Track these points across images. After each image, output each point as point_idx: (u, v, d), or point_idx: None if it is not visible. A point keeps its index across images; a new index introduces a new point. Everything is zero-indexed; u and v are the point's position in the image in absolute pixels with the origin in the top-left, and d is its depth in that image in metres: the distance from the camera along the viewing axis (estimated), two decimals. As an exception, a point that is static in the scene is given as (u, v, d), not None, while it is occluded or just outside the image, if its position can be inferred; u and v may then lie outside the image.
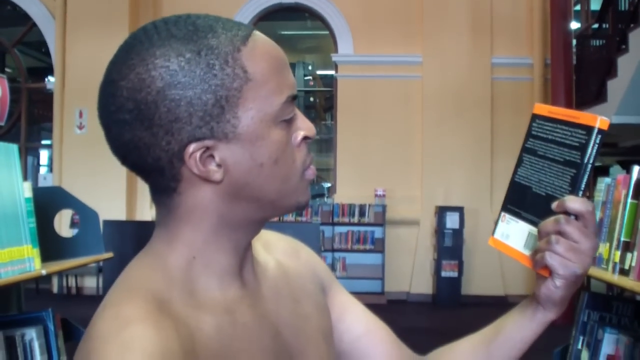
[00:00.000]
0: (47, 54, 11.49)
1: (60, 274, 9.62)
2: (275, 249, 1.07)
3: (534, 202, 0.95)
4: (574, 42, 10.20)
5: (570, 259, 0.87)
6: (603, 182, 2.00)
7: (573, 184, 0.89)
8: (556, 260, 0.87)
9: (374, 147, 10.81)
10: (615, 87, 8.53)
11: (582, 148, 0.89)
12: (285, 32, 16.41)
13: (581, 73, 10.15)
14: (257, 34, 0.87)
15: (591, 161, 0.88)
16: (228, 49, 0.82)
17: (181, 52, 0.80)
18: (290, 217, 10.56)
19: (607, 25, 9.88)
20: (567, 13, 9.58)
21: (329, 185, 12.18)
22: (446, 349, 1.13)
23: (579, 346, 1.98)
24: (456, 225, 9.99)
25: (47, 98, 11.36)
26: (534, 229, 0.93)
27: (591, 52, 10.42)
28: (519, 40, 10.80)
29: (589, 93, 9.77)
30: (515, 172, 0.99)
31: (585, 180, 0.89)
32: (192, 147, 0.81)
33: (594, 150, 0.88)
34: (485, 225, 9.91)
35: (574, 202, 0.86)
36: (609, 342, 1.84)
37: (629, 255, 1.74)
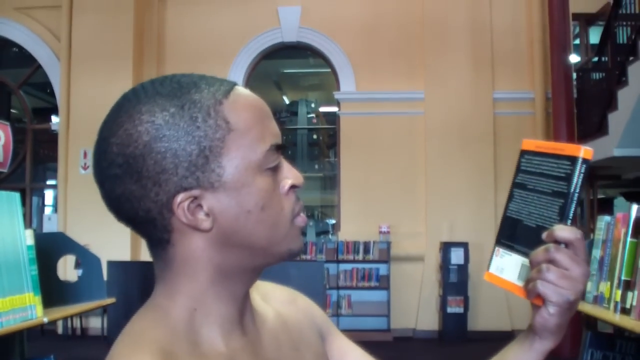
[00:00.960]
0: (52, 94, 11.58)
1: (57, 320, 9.56)
2: (273, 299, 1.09)
3: (525, 234, 0.97)
4: (575, 75, 10.25)
5: (562, 286, 0.88)
6: (603, 221, 2.00)
7: (561, 213, 0.92)
8: (548, 288, 0.89)
9: (378, 184, 10.81)
10: (616, 120, 8.54)
11: (568, 178, 0.92)
12: (288, 71, 16.54)
13: (582, 106, 10.17)
14: (239, 88, 0.90)
15: (577, 190, 0.91)
16: (210, 102, 0.86)
17: (166, 107, 0.84)
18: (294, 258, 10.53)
19: (607, 59, 9.93)
20: (566, 47, 9.63)
21: (333, 222, 12.18)
22: None
23: (583, 386, 1.98)
24: (461, 261, 9.96)
25: (52, 138, 11.43)
26: (526, 260, 0.95)
27: (591, 85, 10.46)
28: (520, 75, 10.87)
29: (590, 126, 9.78)
30: (507, 207, 1.02)
31: (572, 209, 0.91)
32: (179, 197, 0.84)
33: (579, 180, 0.91)
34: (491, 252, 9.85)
35: (563, 231, 0.89)
36: (614, 382, 1.83)
37: (629, 294, 1.74)
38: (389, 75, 10.98)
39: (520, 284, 0.97)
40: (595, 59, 10.31)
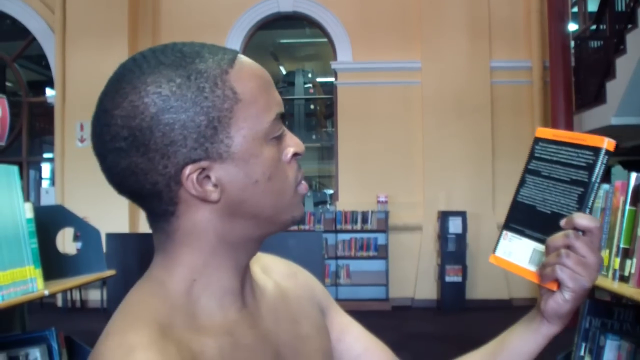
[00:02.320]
0: (47, 67, 11.53)
1: (57, 293, 9.60)
2: (273, 272, 1.09)
3: (538, 220, 0.98)
4: (573, 44, 10.21)
5: (579, 273, 0.89)
6: (602, 189, 2.01)
7: (580, 201, 0.93)
8: (566, 273, 0.90)
9: (375, 154, 10.82)
10: (614, 89, 8.53)
11: (590, 168, 0.93)
12: (285, 41, 16.45)
13: (580, 75, 10.16)
14: (242, 57, 0.90)
15: (598, 180, 0.92)
16: (216, 72, 0.85)
17: (172, 77, 0.83)
18: (293, 226, 10.56)
19: (605, 27, 9.89)
20: (564, 15, 9.58)
21: (331, 192, 12.19)
22: None
23: (582, 353, 1.99)
24: (459, 230, 9.99)
25: (48, 111, 11.40)
26: (539, 246, 0.96)
27: (589, 53, 10.43)
28: (517, 44, 10.83)
29: (588, 95, 9.77)
30: (517, 192, 1.02)
31: (592, 198, 0.93)
32: (188, 169, 0.83)
33: (601, 170, 0.92)
34: (488, 228, 9.91)
35: (583, 219, 0.89)
36: (611, 349, 1.84)
37: (628, 262, 1.74)
38: (386, 45, 10.94)
39: (530, 268, 0.98)
40: (594, 27, 10.27)
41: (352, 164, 10.98)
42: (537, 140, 1.02)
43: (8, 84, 14.46)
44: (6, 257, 1.60)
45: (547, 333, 0.99)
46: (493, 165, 10.41)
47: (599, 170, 0.92)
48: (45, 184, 13.72)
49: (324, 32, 11.41)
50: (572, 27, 11.08)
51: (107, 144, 0.85)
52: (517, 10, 10.84)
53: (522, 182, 1.02)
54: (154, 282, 0.88)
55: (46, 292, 1.72)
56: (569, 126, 9.15)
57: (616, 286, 1.75)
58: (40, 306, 9.92)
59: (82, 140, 10.58)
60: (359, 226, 10.58)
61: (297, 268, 1.15)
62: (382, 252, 10.54)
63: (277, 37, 15.77)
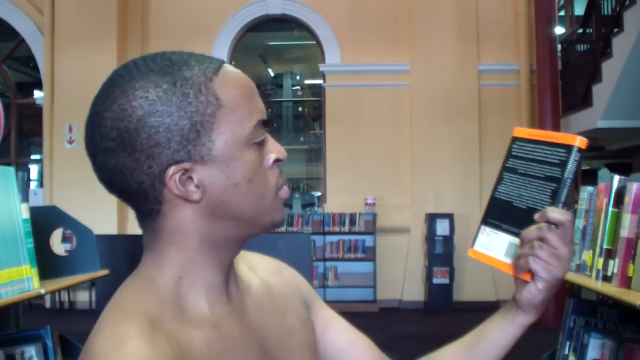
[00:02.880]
0: (35, 68, 11.51)
1: (53, 292, 9.59)
2: (259, 269, 1.13)
3: (514, 215, 1.03)
4: (560, 47, 10.28)
5: (551, 264, 0.94)
6: (586, 191, 2.05)
7: (554, 196, 0.98)
8: (539, 264, 0.94)
9: (364, 156, 10.86)
10: (601, 92, 8.61)
11: (563, 164, 0.97)
12: (273, 43, 16.46)
13: (567, 78, 10.24)
14: (227, 66, 0.95)
15: (571, 176, 0.97)
16: (201, 79, 0.90)
17: (158, 83, 0.88)
18: (281, 228, 10.60)
19: (591, 30, 9.97)
20: (551, 18, 9.65)
21: (319, 194, 12.22)
22: (431, 356, 1.18)
23: (566, 351, 2.03)
24: (446, 232, 10.04)
25: (36, 112, 11.38)
26: (514, 239, 1.01)
27: (576, 57, 10.51)
28: (505, 47, 10.88)
29: (575, 98, 9.86)
30: (495, 189, 1.07)
31: (565, 193, 0.97)
32: (171, 170, 0.88)
33: (573, 167, 0.97)
34: (476, 230, 9.94)
35: (555, 213, 0.94)
36: (595, 347, 1.89)
37: (610, 262, 1.79)
38: (374, 47, 10.99)
39: (506, 260, 1.03)
40: (580, 30, 10.35)
41: (340, 166, 11.01)
42: (514, 139, 1.07)
43: (-4, 85, 14.43)
44: (3, 257, 1.64)
45: (522, 322, 1.04)
46: (480, 168, 10.46)
47: (571, 166, 0.97)
48: (33, 185, 13.69)
49: (313, 35, 11.45)
50: (560, 30, 11.16)
51: (98, 144, 0.89)
52: (504, 13, 10.91)
53: (499, 179, 1.07)
54: (144, 278, 0.93)
55: (42, 291, 1.75)
56: (556, 129, 9.20)
57: (599, 286, 1.79)
58: (29, 307, 9.90)
59: (70, 141, 10.57)
60: (347, 228, 10.60)
61: (282, 265, 1.19)
62: (370, 254, 10.57)
63: (265, 39, 15.78)
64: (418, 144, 10.67)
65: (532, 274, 0.97)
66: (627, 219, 1.74)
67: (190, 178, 0.89)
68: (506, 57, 10.85)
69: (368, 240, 10.62)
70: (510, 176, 1.05)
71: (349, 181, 10.93)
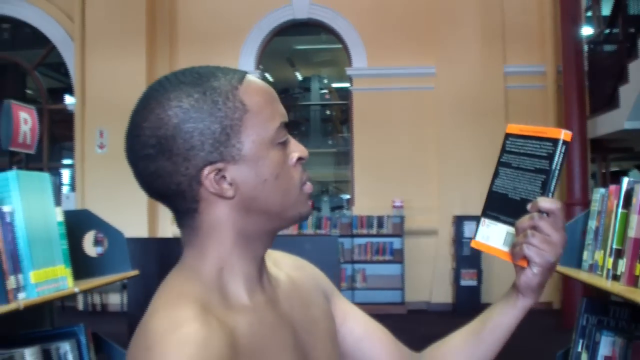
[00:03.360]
0: (66, 74, 11.70)
1: (85, 292, 9.77)
2: (283, 265, 1.23)
3: (510, 206, 1.11)
4: (587, 47, 10.22)
5: (544, 249, 1.02)
6: (598, 193, 2.11)
7: (543, 187, 1.06)
8: (532, 251, 1.03)
9: (391, 159, 10.91)
10: (627, 93, 8.58)
11: (550, 157, 1.05)
12: (301, 47, 16.55)
13: (594, 79, 10.19)
14: (250, 76, 1.05)
15: (558, 167, 1.05)
16: (228, 88, 1.00)
17: (190, 93, 0.98)
18: (309, 230, 10.70)
19: (618, 31, 9.92)
20: (577, 19, 9.59)
21: (348, 197, 12.28)
22: (440, 344, 1.27)
23: (579, 349, 2.09)
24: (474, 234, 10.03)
25: (66, 118, 11.55)
26: (511, 229, 1.09)
27: (603, 57, 10.46)
28: (531, 48, 10.87)
29: (601, 99, 9.81)
30: (492, 183, 1.16)
31: (554, 183, 1.05)
32: (206, 170, 0.98)
33: (560, 158, 1.05)
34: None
35: (545, 202, 1.03)
36: (606, 344, 1.94)
37: (620, 262, 1.85)
38: (400, 50, 11.03)
39: (505, 249, 1.10)
40: (607, 31, 10.30)
41: (368, 169, 11.07)
42: (507, 135, 1.15)
43: (28, 91, 14.67)
44: (40, 257, 1.74)
45: (522, 305, 1.13)
46: (507, 170, 10.44)
47: (558, 158, 1.05)
48: (65, 189, 13.91)
49: (339, 39, 11.53)
50: (588, 31, 11.11)
51: (138, 152, 1.00)
52: (530, 14, 10.89)
53: (495, 174, 1.15)
54: (188, 269, 1.02)
55: (76, 290, 1.85)
56: (582, 130, 9.17)
57: (609, 285, 1.85)
58: (62, 309, 10.09)
59: (101, 146, 10.74)
60: (374, 230, 10.65)
61: (303, 262, 1.29)
62: (397, 256, 10.61)
63: (293, 43, 15.89)
64: (445, 146, 10.68)
65: (528, 260, 1.05)
66: (635, 219, 1.79)
67: (224, 177, 0.99)
68: (532, 59, 10.84)
69: (396, 242, 10.66)
70: (505, 170, 1.13)
71: (376, 184, 10.98)
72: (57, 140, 13.90)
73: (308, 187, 1.09)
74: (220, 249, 1.03)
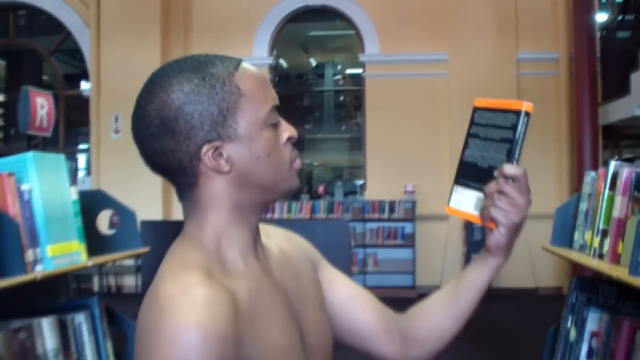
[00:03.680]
0: (82, 60, 11.82)
1: (101, 273, 9.94)
2: (274, 238, 1.35)
3: (479, 174, 1.21)
4: (600, 34, 10.20)
5: (509, 212, 1.14)
6: (589, 176, 2.20)
7: (509, 155, 1.16)
8: (499, 213, 1.14)
9: (403, 145, 10.97)
10: (638, 80, 8.59)
11: (514, 127, 1.16)
12: (315, 33, 16.61)
13: (607, 65, 10.17)
14: (245, 63, 1.17)
15: (521, 136, 1.15)
16: (225, 74, 1.12)
17: (190, 79, 1.10)
18: (321, 215, 10.80)
19: (631, 17, 9.90)
20: (590, 6, 9.59)
21: (361, 182, 12.36)
22: (420, 304, 1.39)
23: (568, 325, 2.18)
24: (485, 220, 10.09)
25: (82, 103, 11.69)
26: (480, 194, 1.20)
27: (616, 44, 10.44)
28: (544, 35, 10.85)
29: (614, 85, 9.81)
30: (463, 153, 1.26)
31: (518, 151, 1.15)
32: (205, 148, 1.10)
33: (523, 128, 1.15)
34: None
35: (510, 168, 1.14)
36: (593, 320, 2.03)
37: (605, 241, 1.94)
38: (413, 37, 11.07)
39: (476, 213, 1.21)
40: (620, 17, 10.28)
41: (380, 154, 11.14)
42: (475, 109, 1.26)
43: (44, 77, 14.83)
44: (56, 232, 1.86)
45: (493, 264, 1.25)
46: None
47: (521, 128, 1.14)
48: (80, 174, 14.07)
49: (352, 25, 11.58)
50: (602, 17, 11.09)
51: (143, 132, 1.12)
52: (544, 1, 10.87)
53: (465, 145, 1.25)
54: (190, 238, 1.15)
55: (90, 263, 1.97)
56: (594, 117, 9.20)
57: (595, 263, 1.95)
58: (78, 290, 10.25)
59: (116, 131, 10.87)
60: (386, 215, 10.72)
61: (291, 234, 1.41)
62: (409, 241, 10.68)
63: (307, 29, 15.94)
64: (456, 133, 10.68)
65: (495, 222, 1.16)
66: (619, 200, 1.89)
67: (221, 154, 1.11)
68: (545, 46, 10.83)
69: (407, 227, 10.73)
70: (474, 141, 1.24)
71: (388, 169, 11.06)
72: (73, 126, 14.06)
73: (297, 163, 1.20)
74: (218, 220, 1.14)
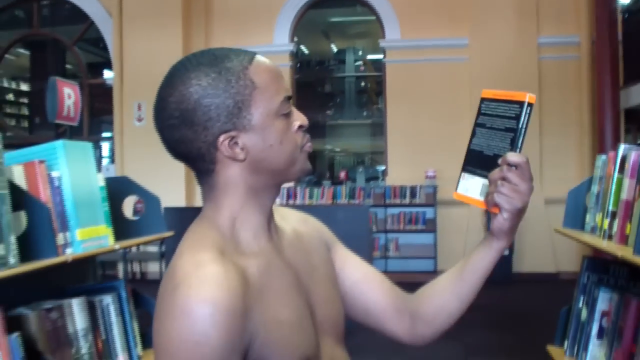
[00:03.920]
0: (104, 49, 11.92)
1: (126, 260, 10.09)
2: (289, 219, 1.43)
3: (485, 161, 1.27)
4: (624, 16, 10.10)
5: (512, 197, 1.20)
6: (600, 160, 2.26)
7: (512, 143, 1.22)
8: (502, 199, 1.21)
9: (424, 130, 10.97)
10: (661, 63, 8.52)
11: (517, 117, 1.22)
12: (336, 19, 16.60)
13: (630, 48, 10.07)
14: (258, 56, 1.25)
15: (524, 126, 1.21)
16: (239, 68, 1.20)
17: (208, 73, 1.18)
18: (343, 200, 10.87)
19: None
20: (611, -11, 9.50)
21: (383, 168, 12.38)
22: (428, 285, 1.46)
23: (580, 305, 2.24)
24: (506, 204, 10.07)
25: (105, 92, 11.81)
26: (486, 181, 1.26)
27: (639, 27, 10.34)
28: (565, 19, 10.78)
29: (636, 69, 9.73)
30: (470, 142, 1.32)
31: (521, 140, 1.22)
32: (222, 137, 1.18)
33: (526, 118, 1.21)
34: (536, 202, 9.87)
35: (513, 156, 1.20)
36: (604, 300, 2.09)
37: (614, 222, 2.00)
38: (433, 22, 11.05)
39: (481, 198, 1.28)
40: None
41: (402, 140, 11.16)
42: (483, 100, 1.32)
43: (68, 66, 14.97)
44: (85, 217, 1.95)
45: (497, 247, 1.31)
46: (540, 141, 10.41)
47: (524, 118, 1.20)
48: (104, 161, 14.23)
49: (372, 11, 11.58)
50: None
51: (164, 122, 1.20)
52: (565, -16, 10.81)
53: (473, 134, 1.32)
54: (207, 219, 1.23)
55: (117, 246, 2.06)
56: (615, 101, 9.15)
57: (605, 244, 2.00)
58: (103, 277, 10.40)
59: (139, 119, 10.98)
60: (407, 200, 10.76)
61: (307, 216, 1.50)
62: (430, 226, 10.73)
63: (328, 15, 15.93)
64: (478, 118, 10.68)
65: (499, 207, 1.22)
66: (627, 183, 1.95)
67: (236, 143, 1.19)
68: (567, 29, 10.77)
69: (429, 212, 10.76)
70: (480, 130, 1.30)
71: (410, 155, 11.07)
72: (96, 114, 14.19)
73: (307, 147, 1.27)
74: (233, 203, 1.22)
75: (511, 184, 1.19)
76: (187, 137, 1.18)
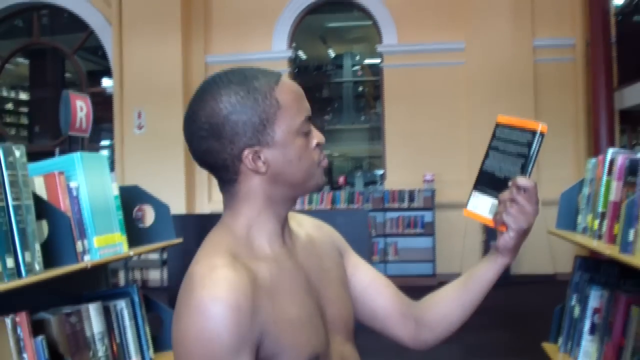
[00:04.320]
0: (104, 57, 11.98)
1: (127, 268, 10.15)
2: (304, 225, 1.53)
3: (496, 182, 1.38)
4: (617, 18, 10.15)
5: (519, 218, 1.31)
6: (590, 163, 2.36)
7: (523, 168, 1.32)
8: (510, 219, 1.32)
9: (422, 134, 11.04)
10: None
11: (529, 145, 1.32)
12: (333, 24, 16.67)
13: (624, 49, 10.14)
14: (284, 77, 1.36)
15: (535, 153, 1.32)
16: (266, 89, 1.30)
17: (237, 91, 1.28)
18: (342, 205, 10.94)
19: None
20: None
21: (381, 172, 12.44)
22: (434, 293, 1.55)
23: (572, 303, 2.34)
24: (503, 207, 10.13)
25: (106, 100, 11.86)
26: (495, 201, 1.37)
27: (633, 27, 10.40)
28: (560, 21, 10.88)
29: (630, 70, 9.79)
30: (483, 163, 1.42)
31: (531, 166, 1.32)
32: (246, 151, 1.28)
33: (537, 146, 1.31)
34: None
35: (523, 180, 1.30)
36: (595, 298, 2.19)
37: (604, 223, 2.10)
38: (430, 26, 11.14)
39: (490, 217, 1.38)
40: (637, 0, 10.25)
41: (400, 144, 11.23)
42: (497, 125, 1.42)
43: (67, 75, 15.03)
44: (101, 225, 2.05)
45: (502, 263, 1.42)
46: (537, 143, 10.45)
47: (535, 146, 1.31)
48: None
49: (369, 16, 11.67)
50: (620, 0, 11.07)
51: (194, 133, 1.30)
52: (560, -14, 10.89)
53: (486, 156, 1.42)
54: (226, 227, 1.33)
55: (131, 253, 2.16)
56: (609, 103, 9.22)
57: (595, 244, 2.11)
58: (105, 285, 10.43)
59: (139, 127, 11.04)
60: (406, 204, 10.82)
61: (322, 223, 1.60)
62: (428, 229, 10.78)
63: (325, 21, 16.00)
64: (475, 121, 10.68)
65: (506, 226, 1.32)
66: (614, 185, 2.05)
67: (259, 157, 1.28)
68: (562, 32, 10.86)
69: (427, 215, 10.83)
70: (494, 153, 1.40)
71: (408, 159, 11.14)
72: (96, 122, 14.20)
73: (324, 162, 1.38)
74: (251, 211, 1.32)
75: (519, 205, 1.30)
76: (214, 148, 1.27)
